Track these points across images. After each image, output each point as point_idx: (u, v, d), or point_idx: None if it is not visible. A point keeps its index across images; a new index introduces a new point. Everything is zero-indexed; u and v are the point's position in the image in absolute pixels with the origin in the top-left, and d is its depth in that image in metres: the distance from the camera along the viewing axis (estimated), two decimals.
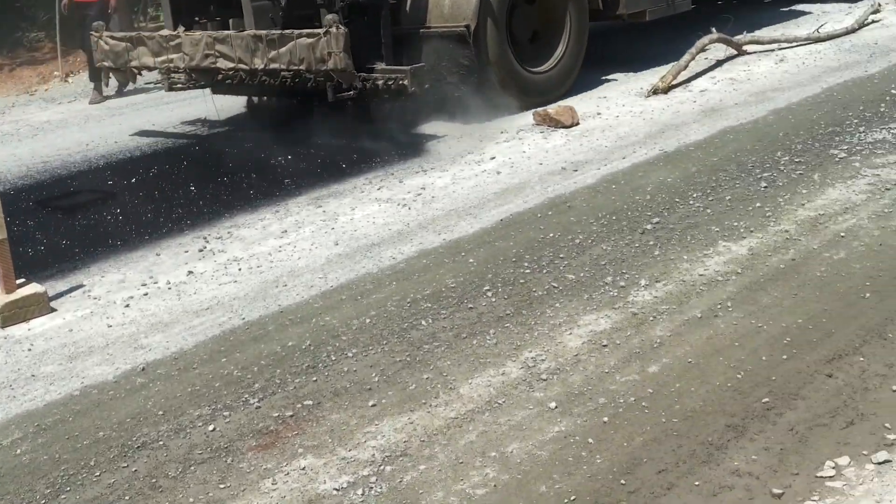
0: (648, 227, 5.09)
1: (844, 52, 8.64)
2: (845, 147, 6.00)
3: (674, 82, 7.93)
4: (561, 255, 4.84)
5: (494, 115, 7.61)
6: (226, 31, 7.49)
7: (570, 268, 4.68)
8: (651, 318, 4.06)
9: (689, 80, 8.16)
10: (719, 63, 8.66)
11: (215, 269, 5.19)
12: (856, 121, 6.52)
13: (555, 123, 7.14)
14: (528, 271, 4.69)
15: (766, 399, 3.35)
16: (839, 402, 3.28)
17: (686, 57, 8.17)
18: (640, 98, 7.79)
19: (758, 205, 5.23)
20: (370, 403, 3.61)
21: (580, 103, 7.66)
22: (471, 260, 4.93)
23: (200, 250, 5.49)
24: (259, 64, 7.22)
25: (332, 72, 6.86)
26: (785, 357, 3.62)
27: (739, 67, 8.45)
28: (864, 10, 9.82)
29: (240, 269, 5.13)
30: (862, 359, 3.54)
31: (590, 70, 8.56)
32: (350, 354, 4.03)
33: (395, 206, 5.89)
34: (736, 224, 5.00)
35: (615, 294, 4.34)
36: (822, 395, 3.33)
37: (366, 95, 7.23)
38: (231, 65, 7.43)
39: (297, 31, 7.00)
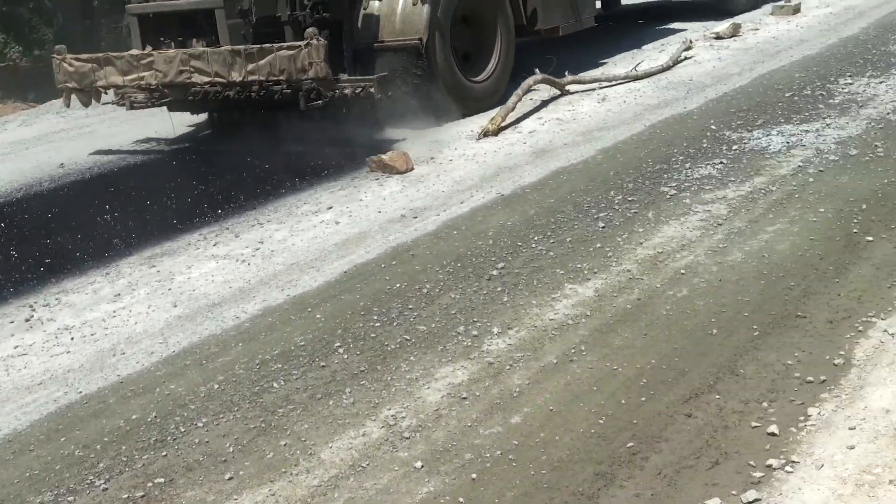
0: (494, 272, 5.09)
1: (662, 89, 8.95)
2: (674, 184, 6.18)
3: (503, 124, 8.02)
4: (410, 306, 4.77)
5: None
6: (202, 48, 7.97)
7: (420, 319, 4.62)
8: (508, 367, 4.04)
9: (517, 122, 8.27)
10: (544, 103, 8.83)
11: (45, 339, 4.88)
12: (681, 157, 6.73)
13: (389, 170, 7.10)
14: (378, 325, 4.60)
15: (631, 444, 3.36)
16: (702, 443, 3.32)
17: (513, 98, 8.29)
18: (471, 141, 7.84)
19: (598, 245, 5.31)
20: (227, 476, 3.44)
21: (413, 148, 7.65)
22: (318, 315, 4.81)
23: (27, 319, 5.16)
24: (237, 77, 7.74)
25: (314, 80, 7.47)
26: (644, 399, 3.65)
27: (564, 107, 8.63)
28: (677, 48, 10.22)
29: (72, 339, 4.85)
30: (718, 396, 3.61)
31: (417, 116, 8.58)
32: (200, 424, 3.85)
33: (233, 263, 5.70)
34: (580, 266, 5.06)
35: (469, 344, 4.30)
36: (685, 437, 3.37)
37: (334, 103, 7.87)
38: (207, 79, 7.89)
39: (276, 45, 7.61)
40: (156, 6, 8.57)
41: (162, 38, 8.47)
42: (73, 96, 8.67)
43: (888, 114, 7.19)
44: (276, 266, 5.58)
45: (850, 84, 8.20)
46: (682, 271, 4.83)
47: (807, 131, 6.99)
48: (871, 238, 4.96)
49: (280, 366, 4.29)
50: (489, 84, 9.12)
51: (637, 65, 9.81)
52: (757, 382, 3.69)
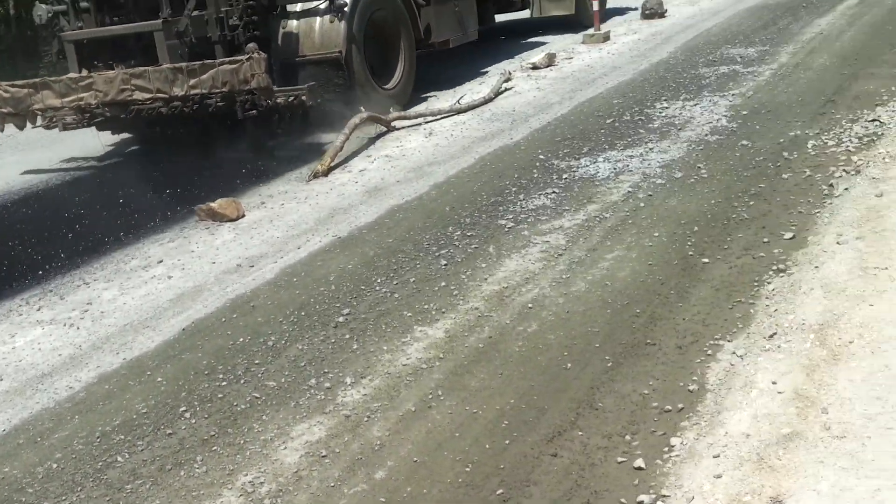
0: (340, 319, 4.96)
1: (487, 121, 9.03)
2: (511, 216, 6.21)
3: (332, 164, 7.91)
4: (256, 362, 4.59)
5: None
6: (142, 68, 8.63)
7: (269, 374, 4.44)
8: (366, 419, 3.91)
9: (346, 161, 8.18)
10: (372, 141, 8.77)
11: None
12: (514, 189, 6.77)
13: (220, 218, 6.87)
14: (224, 384, 4.40)
15: (501, 490, 3.30)
16: (571, 483, 3.28)
17: (340, 138, 8.19)
18: (301, 184, 7.69)
19: (443, 284, 5.25)
20: None
21: (242, 194, 7.44)
22: (159, 379, 4.56)
23: None
24: (179, 91, 8.41)
25: (256, 90, 8.20)
26: (507, 442, 3.60)
27: (392, 144, 8.59)
28: (497, 80, 10.35)
29: None
30: (580, 433, 3.59)
31: (248, 159, 8.38)
32: None
33: (61, 328, 5.37)
34: (427, 307, 4.99)
35: (323, 397, 4.16)
36: (554, 478, 3.33)
37: (268, 112, 8.57)
38: (149, 95, 8.56)
39: (218, 60, 8.42)
40: (92, 32, 9.35)
41: (96, 62, 9.22)
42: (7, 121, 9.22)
43: (706, 135, 7.44)
44: (108, 328, 5.29)
45: (667, 108, 8.47)
46: (530, 305, 4.83)
47: (632, 156, 7.15)
48: (706, 260, 5.08)
49: (123, 437, 4.04)
50: (398, 90, 10.31)
51: (460, 98, 9.89)
52: (617, 415, 3.69)
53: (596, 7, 12.66)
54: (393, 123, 9.03)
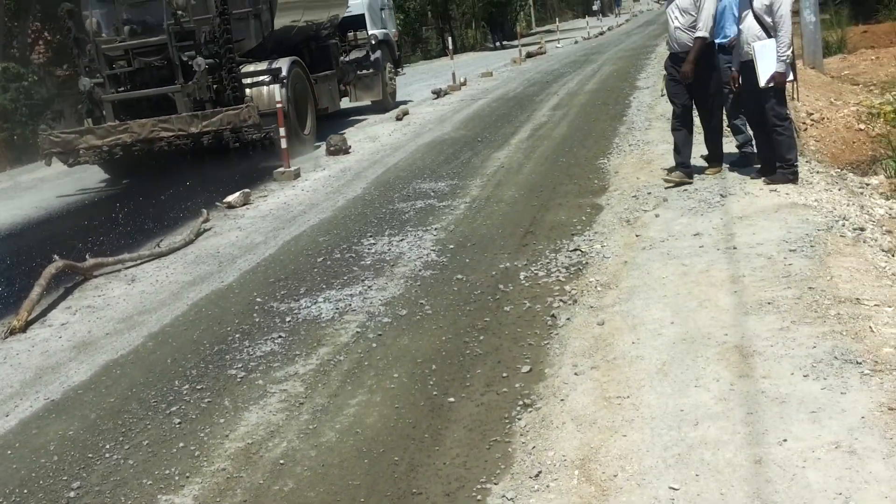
0: (71, 495, 4.53)
1: (192, 264, 8.72)
2: (240, 365, 5.97)
3: (29, 318, 7.31)
4: None
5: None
6: (167, 115, 13.34)
7: None
8: None
9: (44, 314, 7.60)
10: (69, 291, 8.21)
11: None
12: (238, 335, 6.54)
13: None
14: None
15: None
16: None
17: (36, 290, 7.60)
18: None
19: (181, 445, 4.93)
20: None
21: None
22: None
23: None
24: (195, 130, 13.11)
25: (252, 126, 13.06)
26: None
27: (93, 293, 8.08)
28: (195, 221, 10.07)
29: None
30: None
31: None
32: None
33: None
34: (168, 472, 4.65)
35: None
36: None
37: (244, 145, 13.37)
38: (171, 133, 13.18)
39: (224, 108, 13.23)
40: (127, 95, 14.16)
41: (121, 116, 14.06)
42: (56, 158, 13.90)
43: (420, 271, 7.58)
44: None
45: (375, 244, 8.56)
46: (282, 461, 4.62)
47: (352, 295, 7.13)
48: (451, 399, 5.10)
49: None
50: (310, 135, 15.63)
51: (159, 241, 9.51)
52: None
53: (284, 145, 12.70)
54: (91, 272, 8.49)
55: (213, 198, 11.55)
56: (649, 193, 8.90)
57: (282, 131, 12.64)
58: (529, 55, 33.45)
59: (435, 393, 5.21)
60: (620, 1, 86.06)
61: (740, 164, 9.39)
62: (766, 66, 8.24)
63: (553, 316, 6.11)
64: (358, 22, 20.65)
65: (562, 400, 4.83)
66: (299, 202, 11.09)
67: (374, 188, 11.38)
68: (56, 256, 8.25)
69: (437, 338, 6.05)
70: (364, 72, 19.89)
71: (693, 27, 8.78)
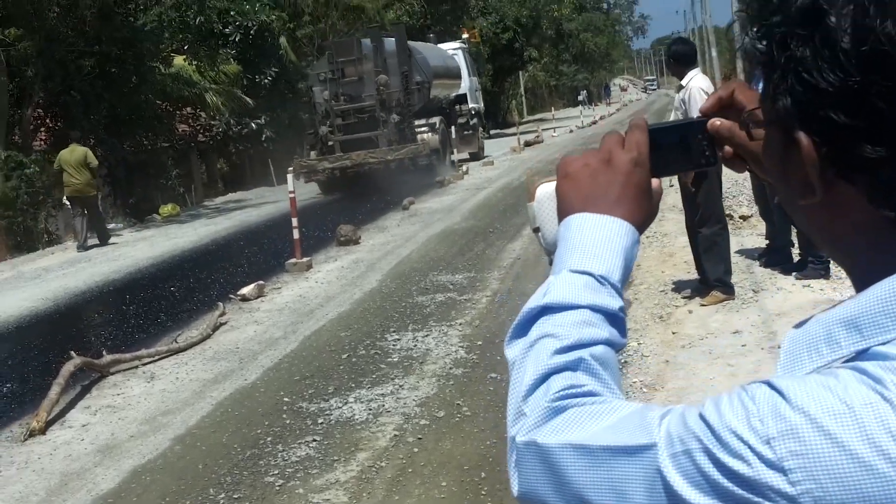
0: None
1: (211, 360, 8.49)
2: (276, 472, 5.72)
3: (49, 418, 7.05)
4: None
5: None
6: (373, 149, 21.95)
7: None
8: None
9: (62, 414, 7.33)
10: (86, 389, 7.95)
11: None
12: (269, 438, 6.30)
13: None
14: None
15: None
16: None
17: (55, 389, 7.34)
18: (15, 445, 6.76)
19: None
20: None
21: None
22: None
23: None
24: (391, 157, 21.49)
25: (430, 153, 22.87)
26: None
27: (112, 392, 7.82)
28: (213, 314, 9.87)
29: None
30: None
31: None
32: None
33: None
34: None
35: None
36: None
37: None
38: (376, 160, 21.59)
39: (411, 143, 22.49)
40: (350, 136, 22.85)
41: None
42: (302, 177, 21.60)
43: (450, 368, 7.37)
44: None
45: (399, 339, 8.37)
46: None
47: (383, 395, 6.92)
48: None
49: None
50: (448, 164, 25.39)
51: (177, 336, 9.29)
52: None
53: (297, 236, 12.57)
54: (109, 369, 8.25)
55: (225, 291, 11.36)
56: (676, 288, 8.74)
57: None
58: (527, 144, 33.64)
59: (489, 502, 4.96)
60: (609, 91, 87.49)
61: (774, 259, 9.12)
62: None
63: None
64: (462, 99, 30.57)
65: None
66: (315, 295, 10.90)
67: (391, 280, 11.22)
68: (73, 353, 8.01)
69: (481, 442, 5.83)
70: (467, 132, 29.76)
71: None
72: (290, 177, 13.27)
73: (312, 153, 23.48)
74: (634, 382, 6.43)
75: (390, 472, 5.55)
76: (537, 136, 36.19)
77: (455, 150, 26.57)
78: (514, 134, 36.95)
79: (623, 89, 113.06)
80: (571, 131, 41.07)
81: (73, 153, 18.14)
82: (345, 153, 22.19)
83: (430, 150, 22.56)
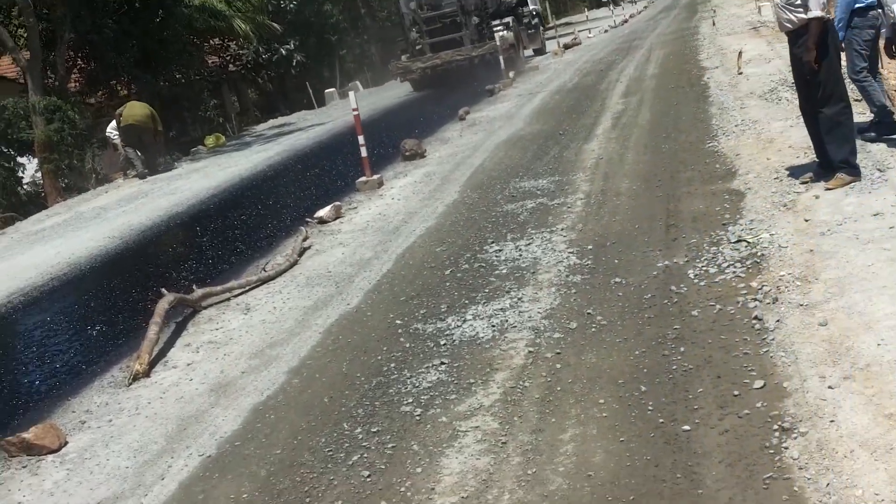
0: None
1: (305, 286, 8.05)
2: (411, 400, 5.29)
3: (151, 360, 6.67)
4: None
5: None
6: (458, 48, 25.59)
7: None
8: None
9: (163, 355, 6.96)
10: (180, 326, 7.57)
11: None
12: (392, 365, 5.87)
13: (38, 450, 5.49)
14: None
15: None
16: None
17: (152, 329, 6.96)
18: (121, 390, 6.40)
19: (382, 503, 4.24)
20: None
21: (51, 413, 6.06)
22: None
23: None
24: (475, 54, 24.99)
25: (510, 48, 24.46)
26: None
27: (210, 328, 7.42)
28: (297, 239, 9.42)
29: None
30: None
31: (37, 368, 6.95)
32: None
33: None
34: None
35: None
36: None
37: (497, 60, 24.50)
38: (462, 57, 25.11)
39: (489, 41, 25.01)
40: (439, 38, 26.29)
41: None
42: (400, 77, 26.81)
43: (567, 276, 6.88)
44: None
45: (501, 251, 7.87)
46: None
47: (503, 309, 6.44)
48: (687, 427, 4.39)
49: None
50: (522, 58, 27.87)
51: (265, 265, 8.85)
52: None
53: (364, 153, 12.04)
54: (200, 303, 7.85)
55: (299, 215, 10.91)
56: (791, 174, 8.14)
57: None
58: (566, 46, 32.65)
59: (661, 420, 4.49)
60: None
61: (886, 132, 8.57)
62: None
63: (758, 318, 5.37)
64: (523, 2, 31.41)
65: (832, 421, 4.10)
66: (395, 211, 10.41)
67: (471, 191, 10.68)
68: (164, 290, 7.60)
69: (629, 352, 5.34)
70: (531, 31, 31.80)
71: (794, 3, 7.26)
72: (352, 94, 12.63)
73: (403, 57, 26.81)
74: (783, 276, 5.89)
75: (537, 391, 5.09)
76: (574, 39, 35.09)
77: (525, 47, 29.72)
78: (553, 38, 35.92)
79: None
80: (606, 31, 39.82)
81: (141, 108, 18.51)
82: (434, 55, 25.62)
83: (507, 45, 24.59)
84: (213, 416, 5.66)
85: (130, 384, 6.40)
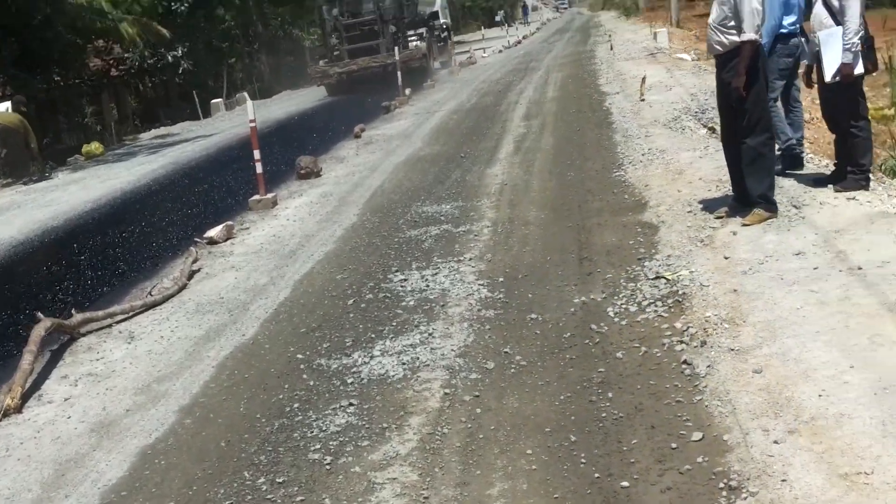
0: None
1: (195, 314, 7.49)
2: (318, 446, 4.84)
3: (24, 393, 6.03)
4: None
5: None
6: (374, 56, 27.51)
7: None
8: None
9: (36, 386, 6.32)
10: (56, 356, 6.93)
11: None
12: (296, 405, 5.40)
13: None
14: None
15: None
16: None
17: (27, 358, 6.32)
18: None
19: None
20: None
21: None
22: None
23: None
24: (390, 61, 24.81)
25: (421, 58, 28.06)
26: None
27: (90, 357, 6.81)
28: (186, 261, 8.83)
29: None
30: None
31: None
32: None
33: None
34: None
35: None
36: None
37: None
38: (377, 64, 26.91)
39: (405, 50, 27.71)
40: (357, 45, 28.27)
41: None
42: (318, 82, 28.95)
43: (479, 310, 6.52)
44: None
45: (406, 280, 7.47)
46: None
47: (413, 346, 6.04)
48: (625, 483, 4.05)
49: None
50: (432, 67, 30.81)
51: (151, 288, 8.24)
52: None
53: (259, 170, 11.48)
54: (80, 330, 7.21)
55: (187, 234, 10.31)
56: (705, 208, 7.97)
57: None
58: (461, 65, 32.57)
59: (597, 475, 4.15)
60: (528, 11, 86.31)
61: (789, 166, 8.53)
62: (832, 58, 7.41)
63: (687, 363, 5.10)
64: (435, 16, 34.34)
65: (783, 480, 3.81)
66: (290, 234, 9.90)
67: (371, 214, 10.25)
68: (39, 314, 6.95)
69: (554, 397, 5.00)
70: (441, 43, 34.38)
71: (726, 25, 7.06)
72: (249, 103, 12.08)
73: (321, 62, 28.78)
74: (709, 317, 5.64)
75: (457, 439, 4.71)
76: (470, 58, 35.08)
77: (434, 58, 31.61)
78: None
79: (535, 9, 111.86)
80: (500, 51, 40.01)
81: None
82: (352, 60, 27.59)
83: (420, 55, 27.62)
84: (95, 460, 5.10)
85: (0, 420, 5.76)
